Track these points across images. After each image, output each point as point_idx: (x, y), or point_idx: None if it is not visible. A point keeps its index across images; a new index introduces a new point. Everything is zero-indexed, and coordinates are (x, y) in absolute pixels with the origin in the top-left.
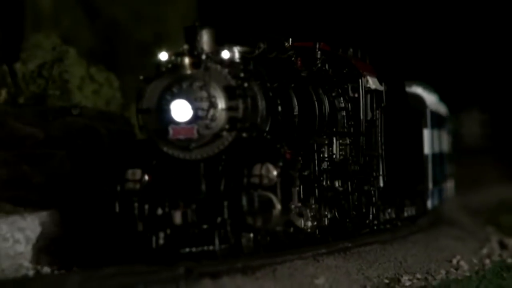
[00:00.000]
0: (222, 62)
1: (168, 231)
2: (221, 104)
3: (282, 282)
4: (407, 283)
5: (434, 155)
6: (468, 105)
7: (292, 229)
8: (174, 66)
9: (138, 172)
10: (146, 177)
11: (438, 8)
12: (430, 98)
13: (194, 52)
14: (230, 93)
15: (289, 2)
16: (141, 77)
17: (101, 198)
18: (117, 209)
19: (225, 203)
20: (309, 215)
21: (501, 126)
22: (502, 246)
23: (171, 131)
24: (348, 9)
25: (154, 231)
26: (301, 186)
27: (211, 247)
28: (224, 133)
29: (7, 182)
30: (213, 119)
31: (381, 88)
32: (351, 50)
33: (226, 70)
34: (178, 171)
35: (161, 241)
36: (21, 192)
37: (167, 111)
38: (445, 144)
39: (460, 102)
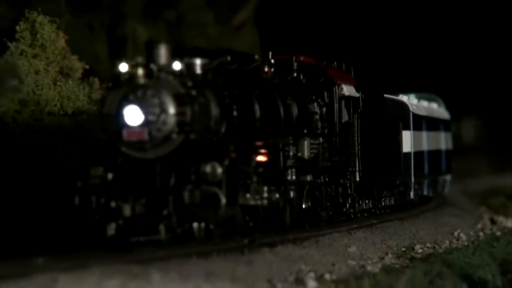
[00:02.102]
0: (173, 72)
1: (120, 222)
2: (171, 109)
3: (323, 250)
4: (419, 251)
5: (416, 153)
6: (467, 112)
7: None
8: (130, 77)
9: (100, 170)
10: (109, 175)
11: (449, 30)
12: (419, 105)
13: (149, 64)
14: (179, 100)
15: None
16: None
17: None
18: (76, 202)
19: (171, 198)
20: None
21: (491, 130)
22: (492, 222)
23: (125, 134)
24: (345, 27)
25: (108, 222)
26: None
27: (157, 237)
28: (174, 135)
29: None
30: (164, 123)
31: (357, 95)
32: (335, 63)
33: (176, 80)
34: (137, 169)
35: (112, 231)
36: None
37: (122, 116)
38: (443, 143)
39: (461, 110)
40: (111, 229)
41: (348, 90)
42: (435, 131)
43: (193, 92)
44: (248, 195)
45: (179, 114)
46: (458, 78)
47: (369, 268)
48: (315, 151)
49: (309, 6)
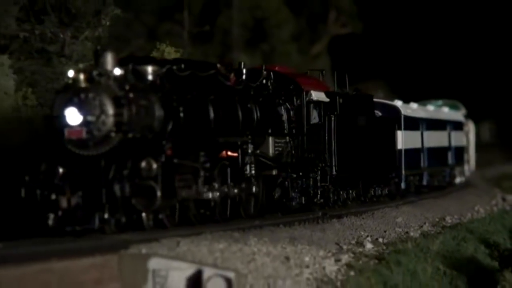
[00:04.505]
0: (114, 77)
1: (60, 213)
2: (110, 111)
3: (377, 220)
4: (449, 221)
5: (410, 150)
6: (483, 117)
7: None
8: (73, 81)
9: (49, 165)
10: (60, 170)
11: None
12: (416, 109)
13: (93, 70)
14: (117, 102)
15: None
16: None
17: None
18: (22, 195)
19: (104, 191)
20: (216, 195)
21: (502, 131)
22: (503, 199)
23: (66, 133)
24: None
25: (49, 213)
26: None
27: (91, 226)
28: (112, 134)
29: None
30: (103, 123)
31: (327, 100)
32: (323, 72)
33: (115, 84)
34: (83, 165)
35: (51, 221)
36: None
37: (64, 116)
38: (452, 140)
39: (479, 115)
40: (51, 219)
41: (317, 95)
42: (439, 130)
43: (131, 95)
44: (199, 188)
45: (116, 115)
46: (478, 89)
47: (411, 233)
48: (280, 148)
49: (365, 40)
